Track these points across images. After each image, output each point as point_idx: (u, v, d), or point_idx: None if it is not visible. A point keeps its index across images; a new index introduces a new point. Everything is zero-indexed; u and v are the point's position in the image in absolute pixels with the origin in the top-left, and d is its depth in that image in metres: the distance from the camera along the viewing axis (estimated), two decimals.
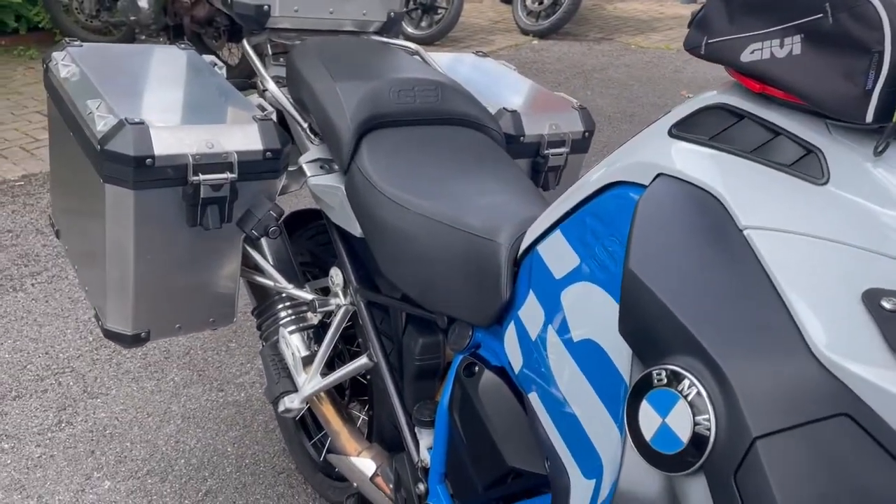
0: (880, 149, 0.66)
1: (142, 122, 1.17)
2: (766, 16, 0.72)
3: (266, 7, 1.49)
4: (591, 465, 0.75)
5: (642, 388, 0.59)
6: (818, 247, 0.62)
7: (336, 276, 1.38)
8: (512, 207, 1.16)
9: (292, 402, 1.39)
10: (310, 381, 1.38)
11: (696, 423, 0.55)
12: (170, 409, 2.09)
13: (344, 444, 1.42)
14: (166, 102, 1.28)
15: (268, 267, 1.43)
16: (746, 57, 0.73)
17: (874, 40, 0.63)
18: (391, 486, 1.33)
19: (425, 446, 1.22)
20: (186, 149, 1.19)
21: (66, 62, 1.36)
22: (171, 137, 1.18)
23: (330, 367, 1.44)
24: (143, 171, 1.17)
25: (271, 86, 1.43)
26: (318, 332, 1.45)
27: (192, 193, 1.21)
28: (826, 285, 0.58)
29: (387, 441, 1.44)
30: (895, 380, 0.50)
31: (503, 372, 1.08)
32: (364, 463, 1.39)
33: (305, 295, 1.40)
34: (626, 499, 0.59)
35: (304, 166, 1.36)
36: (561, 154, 1.58)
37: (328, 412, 1.45)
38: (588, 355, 0.78)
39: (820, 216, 0.65)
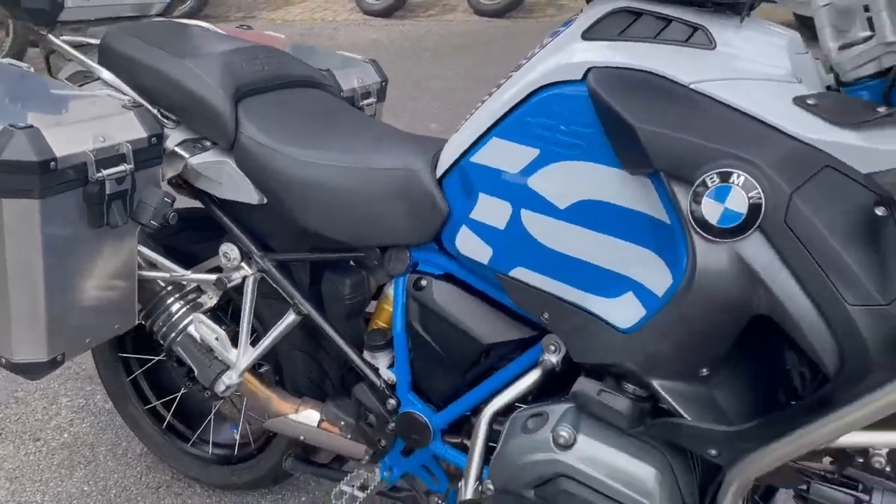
0: (744, 18, 0.99)
1: (31, 126, 1.08)
2: None
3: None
4: (611, 285, 1.00)
5: (700, 191, 0.85)
6: (741, 84, 0.93)
7: (231, 251, 1.40)
8: (399, 143, 1.33)
9: (230, 379, 1.39)
10: (244, 355, 1.40)
11: (749, 198, 0.82)
12: None
13: (278, 406, 1.47)
14: (24, 109, 1.17)
15: (160, 258, 1.39)
16: None
17: None
18: (341, 424, 1.43)
19: (385, 366, 1.35)
20: (83, 146, 1.13)
21: None
22: (63, 137, 1.11)
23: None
24: (48, 176, 1.09)
25: (108, 76, 1.36)
26: (221, 312, 1.46)
27: (98, 192, 1.15)
28: (770, 100, 0.89)
29: (311, 392, 1.52)
30: (846, 139, 0.83)
31: (449, 276, 1.27)
32: (307, 415, 1.46)
33: (208, 276, 1.40)
34: (705, 280, 0.85)
35: (177, 149, 1.35)
36: (371, 104, 1.76)
37: (252, 384, 1.47)
38: (583, 210, 1.01)
39: (725, 67, 0.96)
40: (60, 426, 2.03)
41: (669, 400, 0.94)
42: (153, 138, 1.24)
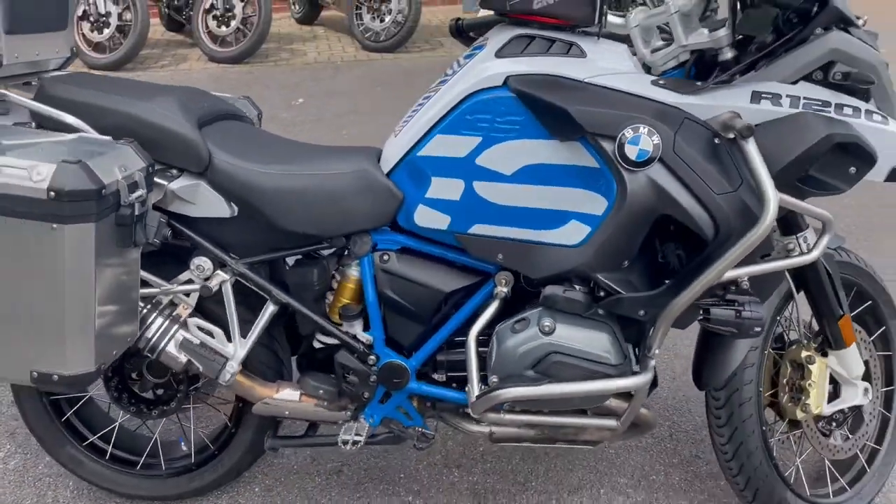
0: (599, 37, 1.52)
1: (80, 161, 1.24)
2: None
3: None
4: (556, 220, 1.45)
5: (622, 141, 1.33)
6: (614, 77, 1.44)
7: (204, 263, 1.61)
8: (341, 152, 1.66)
9: (232, 368, 1.59)
10: (241, 345, 1.61)
11: (652, 141, 1.32)
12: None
13: (261, 391, 1.68)
14: (42, 149, 1.31)
15: (148, 275, 1.55)
16: (535, 6, 1.47)
17: None
18: (320, 392, 1.70)
19: (360, 331, 1.66)
20: (115, 175, 1.31)
21: None
22: (99, 169, 1.28)
23: None
24: (101, 201, 1.26)
25: (73, 120, 1.49)
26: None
27: (129, 214, 1.33)
28: (637, 84, 1.40)
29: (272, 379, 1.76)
30: (690, 101, 1.38)
31: (405, 249, 1.63)
32: (287, 394, 1.69)
33: (193, 286, 1.59)
34: (631, 196, 1.33)
35: (156, 179, 1.53)
36: None
37: (237, 377, 1.67)
38: (527, 173, 1.45)
39: (599, 68, 1.46)
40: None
41: (610, 284, 1.43)
42: (149, 167, 1.44)
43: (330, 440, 1.73)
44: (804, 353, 1.68)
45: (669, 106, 1.39)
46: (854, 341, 1.71)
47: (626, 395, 1.60)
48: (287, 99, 5.40)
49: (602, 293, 1.47)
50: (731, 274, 1.38)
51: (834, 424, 1.80)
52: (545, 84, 1.44)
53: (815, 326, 1.74)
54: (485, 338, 1.57)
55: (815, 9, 1.39)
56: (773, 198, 1.29)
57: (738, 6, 1.48)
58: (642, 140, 1.34)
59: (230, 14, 6.27)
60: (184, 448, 1.93)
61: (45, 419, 1.83)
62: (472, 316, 1.62)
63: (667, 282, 1.42)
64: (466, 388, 1.56)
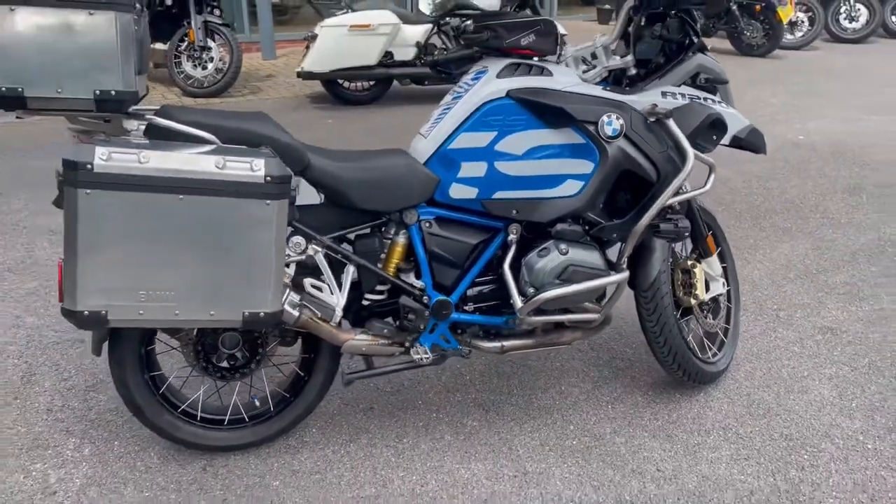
0: (567, 61, 2.31)
1: (276, 156, 1.77)
2: (518, 30, 2.24)
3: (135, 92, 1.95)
4: (557, 181, 2.20)
5: (601, 125, 2.12)
6: (577, 86, 2.24)
7: (300, 240, 2.12)
8: (385, 152, 2.29)
9: (339, 314, 2.13)
10: (340, 297, 2.14)
11: (620, 123, 2.12)
12: None
13: (344, 336, 2.21)
14: (218, 153, 1.81)
15: None
16: (522, 43, 2.23)
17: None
18: (384, 332, 2.28)
19: (414, 280, 2.27)
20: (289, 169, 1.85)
21: (119, 154, 1.64)
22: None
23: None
24: (289, 184, 1.79)
25: (207, 136, 1.95)
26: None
27: (295, 196, 1.86)
28: (587, 89, 2.21)
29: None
30: (631, 98, 2.20)
31: (439, 218, 2.29)
32: (362, 337, 2.24)
33: (299, 257, 2.11)
34: (609, 158, 2.13)
35: None
36: None
37: (319, 327, 2.18)
38: (533, 151, 2.18)
39: (564, 82, 2.25)
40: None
41: (596, 218, 2.22)
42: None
43: (389, 370, 2.33)
44: (689, 262, 2.59)
45: (620, 102, 2.22)
46: (714, 252, 2.67)
47: (598, 300, 2.39)
48: None
49: (587, 227, 2.26)
50: (669, 202, 2.23)
51: (706, 310, 2.73)
52: (537, 93, 2.21)
53: (690, 246, 2.68)
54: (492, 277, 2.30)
55: (688, 42, 2.31)
56: (691, 152, 2.17)
57: (633, 43, 2.37)
58: (614, 122, 2.16)
59: None
60: (257, 403, 2.37)
61: (146, 393, 2.19)
62: (491, 259, 2.32)
63: (630, 214, 2.24)
64: (510, 302, 2.25)
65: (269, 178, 1.76)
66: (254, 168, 1.75)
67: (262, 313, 1.83)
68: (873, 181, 5.04)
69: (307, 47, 6.61)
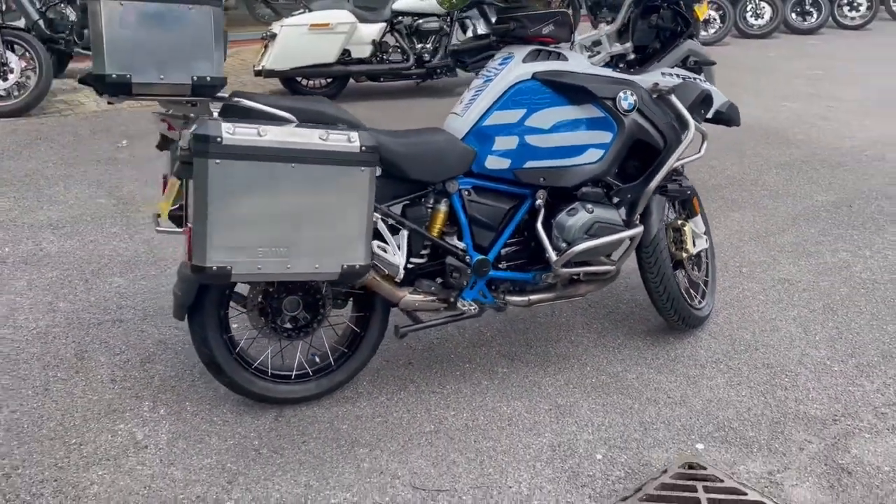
0: (576, 48, 2.67)
1: (366, 129, 2.05)
2: (539, 20, 2.58)
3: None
4: (580, 150, 2.55)
5: (619, 100, 2.47)
6: (592, 68, 2.60)
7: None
8: (427, 130, 2.59)
9: (402, 271, 2.40)
10: (403, 257, 2.42)
11: (633, 99, 2.50)
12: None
13: (399, 293, 2.49)
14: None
15: None
16: (543, 31, 2.57)
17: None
18: (432, 289, 2.58)
19: (457, 242, 2.58)
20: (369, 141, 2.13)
21: (242, 129, 1.90)
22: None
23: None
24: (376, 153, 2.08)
25: (287, 115, 2.20)
26: None
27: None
28: (607, 71, 2.58)
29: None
30: (638, 78, 2.58)
31: (476, 187, 2.61)
32: (414, 294, 2.53)
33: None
34: (625, 128, 2.49)
35: None
36: None
37: (380, 285, 2.46)
38: (559, 125, 2.53)
39: (580, 65, 2.61)
40: None
41: (614, 182, 2.60)
42: None
43: (437, 322, 2.65)
44: (679, 221, 3.00)
45: (630, 80, 2.60)
46: (699, 213, 3.09)
47: (608, 257, 2.77)
48: None
49: (605, 189, 2.63)
50: (675, 166, 2.62)
51: (693, 263, 3.15)
52: (559, 75, 2.56)
53: (680, 209, 3.09)
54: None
55: (680, 29, 2.71)
56: (692, 122, 2.57)
57: (632, 31, 2.76)
58: (629, 98, 2.53)
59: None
60: (317, 360, 2.63)
61: (225, 352, 2.42)
62: (520, 222, 2.65)
63: (642, 177, 2.63)
64: (542, 257, 2.59)
65: (363, 148, 2.04)
66: (350, 140, 2.03)
67: (357, 266, 2.11)
68: (799, 157, 5.65)
69: (265, 46, 6.78)
